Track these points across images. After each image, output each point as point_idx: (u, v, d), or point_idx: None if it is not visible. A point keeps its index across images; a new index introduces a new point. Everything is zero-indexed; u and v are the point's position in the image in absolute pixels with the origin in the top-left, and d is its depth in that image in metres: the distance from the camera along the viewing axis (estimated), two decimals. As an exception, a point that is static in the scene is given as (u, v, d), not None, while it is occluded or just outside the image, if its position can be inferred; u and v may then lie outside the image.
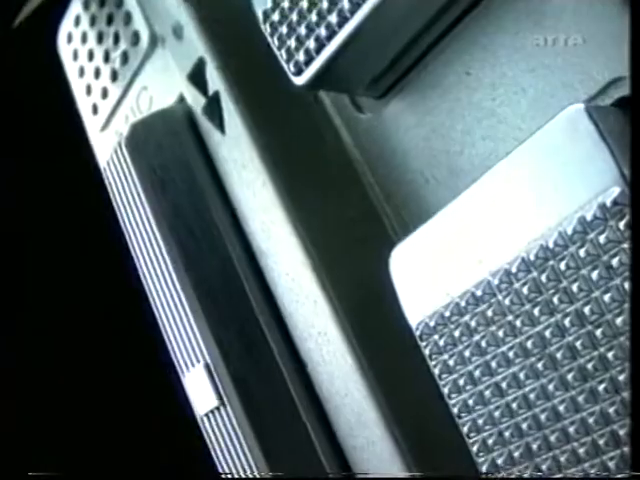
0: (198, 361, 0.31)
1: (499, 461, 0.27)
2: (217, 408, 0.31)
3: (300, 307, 0.31)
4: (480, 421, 0.27)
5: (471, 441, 0.27)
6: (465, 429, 0.27)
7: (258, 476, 0.29)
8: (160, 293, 0.32)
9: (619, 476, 0.23)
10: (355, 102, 0.34)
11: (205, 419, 0.32)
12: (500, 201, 0.27)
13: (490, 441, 0.27)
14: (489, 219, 0.27)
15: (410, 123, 0.32)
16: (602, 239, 0.24)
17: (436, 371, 0.28)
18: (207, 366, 0.31)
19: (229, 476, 0.30)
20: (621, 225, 0.24)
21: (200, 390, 0.31)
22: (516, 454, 0.27)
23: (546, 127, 0.27)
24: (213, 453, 0.32)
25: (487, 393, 0.27)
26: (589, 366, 0.25)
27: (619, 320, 0.24)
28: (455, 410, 0.28)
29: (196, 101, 0.35)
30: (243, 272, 0.32)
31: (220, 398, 0.30)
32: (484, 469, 0.27)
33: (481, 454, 0.27)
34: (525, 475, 0.26)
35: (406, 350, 0.29)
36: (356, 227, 0.33)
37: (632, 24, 0.25)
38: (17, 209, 0.52)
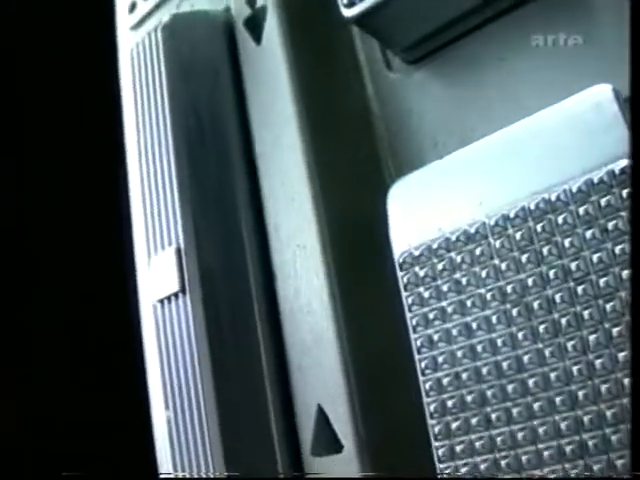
0: (170, 244, 0.31)
1: (449, 402, 0.26)
2: (175, 295, 0.30)
3: (287, 217, 0.31)
4: (440, 359, 0.27)
5: (424, 378, 0.27)
6: (422, 365, 0.27)
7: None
8: (152, 170, 0.31)
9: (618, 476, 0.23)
10: (387, 60, 0.35)
11: (159, 306, 0.31)
12: (513, 151, 0.28)
13: (445, 381, 0.27)
14: (499, 166, 0.28)
15: (434, 90, 0.33)
16: (603, 202, 0.25)
17: (408, 301, 0.28)
18: (178, 251, 0.30)
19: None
20: (624, 193, 0.25)
21: (163, 274, 0.31)
22: (469, 398, 0.26)
23: (574, 97, 0.28)
24: (157, 342, 0.31)
25: (454, 331, 0.27)
26: (563, 321, 0.25)
27: (602, 281, 0.25)
28: (417, 344, 0.27)
29: (240, 12, 0.35)
30: (238, 173, 0.31)
31: (182, 284, 0.30)
32: (429, 400, 0.26)
33: (432, 393, 0.27)
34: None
35: (380, 285, 0.29)
36: (361, 167, 0.33)
37: (632, 24, 0.26)
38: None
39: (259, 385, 0.29)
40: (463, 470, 0.25)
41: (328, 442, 0.27)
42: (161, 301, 0.30)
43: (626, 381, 0.23)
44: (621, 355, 0.24)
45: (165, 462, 0.29)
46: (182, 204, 0.30)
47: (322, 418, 0.27)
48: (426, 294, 0.27)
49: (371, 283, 0.30)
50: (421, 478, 0.27)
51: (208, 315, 0.29)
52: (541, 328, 0.25)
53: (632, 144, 0.24)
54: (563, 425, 0.24)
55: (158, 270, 0.31)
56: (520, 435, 0.25)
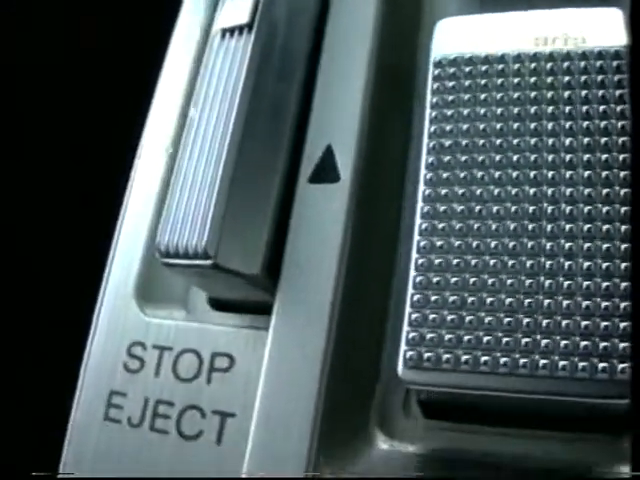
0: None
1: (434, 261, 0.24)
2: (240, 29, 0.28)
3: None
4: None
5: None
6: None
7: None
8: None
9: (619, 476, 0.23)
10: None
11: (219, 35, 0.28)
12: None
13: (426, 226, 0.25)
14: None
15: None
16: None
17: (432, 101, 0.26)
18: None
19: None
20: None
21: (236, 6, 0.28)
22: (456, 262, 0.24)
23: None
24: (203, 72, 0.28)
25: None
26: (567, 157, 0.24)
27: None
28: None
29: None
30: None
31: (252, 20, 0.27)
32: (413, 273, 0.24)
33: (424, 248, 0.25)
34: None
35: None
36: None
37: (632, 24, 0.25)
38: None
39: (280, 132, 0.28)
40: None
41: (328, 172, 0.27)
42: (223, 32, 0.28)
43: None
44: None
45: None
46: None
47: (329, 153, 0.27)
48: (450, 103, 0.26)
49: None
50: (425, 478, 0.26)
51: (263, 57, 0.27)
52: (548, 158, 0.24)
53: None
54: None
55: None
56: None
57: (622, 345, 0.22)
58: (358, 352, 0.26)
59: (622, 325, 0.23)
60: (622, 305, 0.23)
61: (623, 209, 0.23)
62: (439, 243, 0.24)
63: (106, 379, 0.28)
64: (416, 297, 0.24)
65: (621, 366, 0.22)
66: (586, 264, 0.23)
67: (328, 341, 0.25)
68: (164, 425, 0.27)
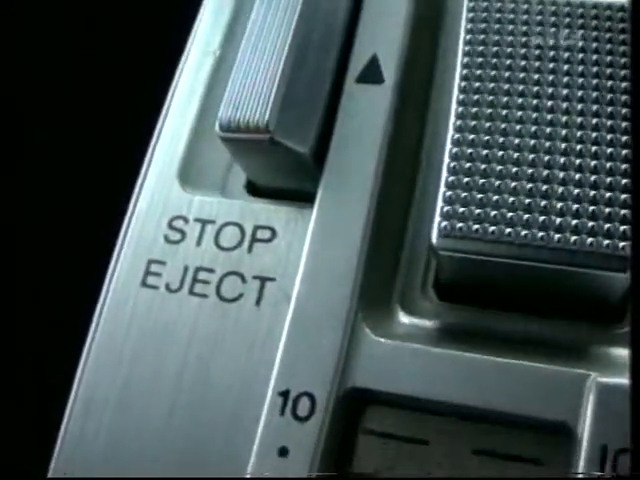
0: None
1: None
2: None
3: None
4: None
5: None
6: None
7: None
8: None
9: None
10: None
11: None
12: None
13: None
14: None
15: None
16: None
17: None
18: None
19: None
20: None
21: None
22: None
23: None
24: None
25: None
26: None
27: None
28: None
29: None
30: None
31: None
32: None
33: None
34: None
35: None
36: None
37: (632, 24, 0.29)
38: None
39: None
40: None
41: (373, 74, 0.30)
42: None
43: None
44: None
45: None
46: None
47: (374, 60, 0.30)
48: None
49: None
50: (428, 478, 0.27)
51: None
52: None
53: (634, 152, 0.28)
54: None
55: None
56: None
57: (622, 227, 0.27)
58: (390, 230, 0.29)
59: (622, 212, 0.27)
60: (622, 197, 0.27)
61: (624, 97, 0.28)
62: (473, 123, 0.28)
63: (145, 250, 0.30)
64: (450, 179, 0.27)
65: (622, 244, 0.26)
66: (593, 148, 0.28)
67: (368, 217, 0.28)
68: (203, 289, 0.29)
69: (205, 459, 0.27)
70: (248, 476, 0.26)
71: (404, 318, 0.29)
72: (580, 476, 0.25)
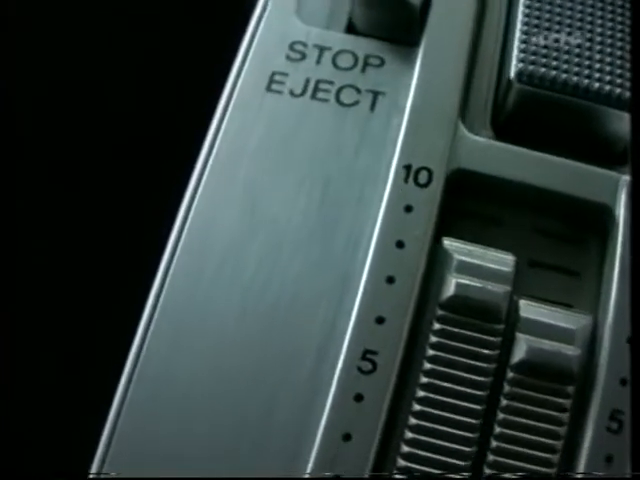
0: None
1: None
2: None
3: None
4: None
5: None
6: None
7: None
8: None
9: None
10: None
11: None
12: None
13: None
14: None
15: None
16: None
17: None
18: None
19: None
20: None
21: None
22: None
23: None
24: None
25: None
26: None
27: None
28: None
29: None
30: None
31: None
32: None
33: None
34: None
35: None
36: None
37: (633, 24, 0.32)
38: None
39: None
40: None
41: None
42: None
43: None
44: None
45: None
46: None
47: None
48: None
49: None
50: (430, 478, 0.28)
51: None
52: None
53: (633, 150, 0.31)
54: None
55: None
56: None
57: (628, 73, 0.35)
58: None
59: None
60: None
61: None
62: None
63: (268, 64, 0.34)
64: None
65: (622, 87, 0.33)
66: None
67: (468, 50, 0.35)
68: (324, 96, 0.34)
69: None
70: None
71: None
72: (580, 476, 0.26)
